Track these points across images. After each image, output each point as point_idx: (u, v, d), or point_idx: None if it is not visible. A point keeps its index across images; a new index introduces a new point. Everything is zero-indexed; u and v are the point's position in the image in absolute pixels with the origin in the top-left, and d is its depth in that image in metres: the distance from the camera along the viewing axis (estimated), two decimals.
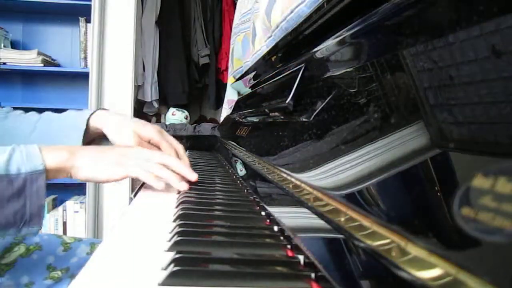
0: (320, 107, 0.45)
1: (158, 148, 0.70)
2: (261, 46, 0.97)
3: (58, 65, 2.47)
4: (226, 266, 0.32)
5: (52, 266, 0.77)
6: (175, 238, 0.36)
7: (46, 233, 0.83)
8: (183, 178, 0.61)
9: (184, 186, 0.59)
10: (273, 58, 0.85)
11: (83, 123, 0.71)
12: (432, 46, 0.27)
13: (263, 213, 0.49)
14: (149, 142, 0.70)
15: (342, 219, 0.29)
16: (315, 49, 0.55)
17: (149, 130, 0.70)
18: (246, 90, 1.23)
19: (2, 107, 0.75)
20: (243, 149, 0.79)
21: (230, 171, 0.84)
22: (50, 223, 2.19)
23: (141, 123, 0.71)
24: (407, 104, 0.28)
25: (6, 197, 0.49)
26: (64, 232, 2.19)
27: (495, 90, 0.20)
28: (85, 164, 0.57)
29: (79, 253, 0.81)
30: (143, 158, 0.60)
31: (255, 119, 0.86)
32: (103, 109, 0.76)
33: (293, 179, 0.43)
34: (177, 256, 0.31)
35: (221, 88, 2.52)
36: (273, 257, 0.35)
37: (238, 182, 0.71)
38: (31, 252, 0.77)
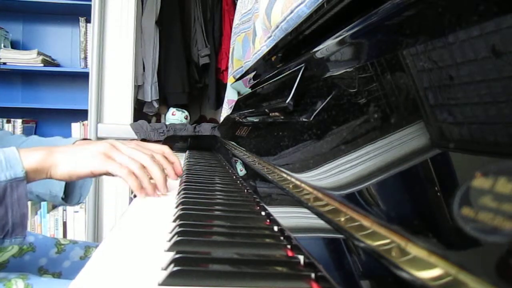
0: (320, 107, 0.45)
1: None
2: (261, 46, 0.97)
3: (58, 65, 2.47)
4: (226, 266, 0.32)
5: (44, 269, 0.76)
6: (175, 238, 0.36)
7: (42, 235, 0.83)
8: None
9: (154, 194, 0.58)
10: (273, 58, 0.84)
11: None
12: (432, 46, 0.27)
13: (263, 213, 0.49)
14: None
15: (342, 219, 0.29)
16: (315, 49, 0.55)
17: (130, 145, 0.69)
18: (246, 90, 1.23)
19: None
20: (243, 149, 0.79)
21: (230, 171, 0.84)
22: (50, 223, 2.19)
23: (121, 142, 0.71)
24: (407, 104, 0.28)
25: None
26: (64, 232, 2.19)
27: (495, 90, 0.20)
28: (63, 159, 0.55)
29: (72, 256, 0.80)
30: (129, 155, 0.58)
31: (255, 119, 0.86)
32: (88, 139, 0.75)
33: (293, 179, 0.43)
34: (177, 256, 0.31)
35: (221, 88, 2.52)
36: (273, 257, 0.35)
37: (238, 182, 0.71)
38: (23, 252, 0.76)
